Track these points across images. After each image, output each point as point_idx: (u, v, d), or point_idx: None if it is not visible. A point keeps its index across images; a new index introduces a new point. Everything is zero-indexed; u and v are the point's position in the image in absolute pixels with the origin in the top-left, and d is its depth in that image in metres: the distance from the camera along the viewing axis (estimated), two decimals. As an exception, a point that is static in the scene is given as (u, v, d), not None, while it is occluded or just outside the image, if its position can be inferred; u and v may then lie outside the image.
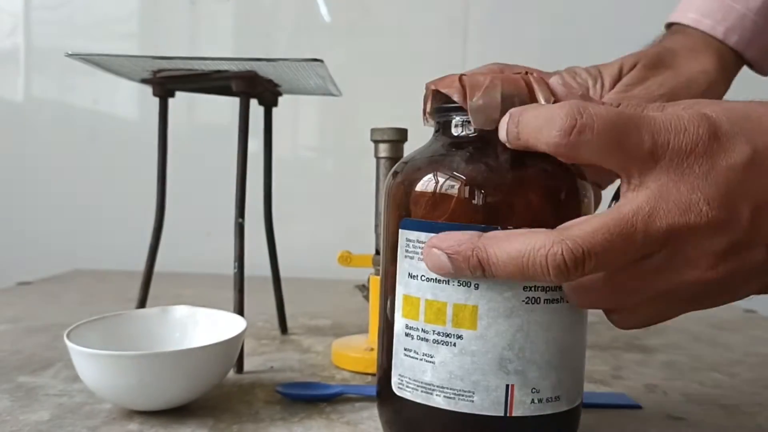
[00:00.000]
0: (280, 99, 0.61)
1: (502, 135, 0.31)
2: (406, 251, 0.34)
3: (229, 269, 0.51)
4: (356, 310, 0.76)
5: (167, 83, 0.56)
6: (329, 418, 0.43)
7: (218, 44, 1.10)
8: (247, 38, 1.11)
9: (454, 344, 0.32)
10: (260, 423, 0.41)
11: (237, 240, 0.51)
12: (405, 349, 0.34)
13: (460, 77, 0.34)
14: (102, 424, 0.40)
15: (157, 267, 0.59)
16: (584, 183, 0.35)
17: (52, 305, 0.76)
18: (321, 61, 0.47)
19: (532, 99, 0.33)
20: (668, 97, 0.41)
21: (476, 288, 0.32)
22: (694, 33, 0.46)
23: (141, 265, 0.59)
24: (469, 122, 0.35)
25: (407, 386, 0.34)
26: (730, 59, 0.46)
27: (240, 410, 0.43)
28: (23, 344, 0.58)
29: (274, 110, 0.62)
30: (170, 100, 0.58)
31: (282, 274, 0.65)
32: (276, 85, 0.57)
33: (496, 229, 0.31)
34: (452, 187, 0.33)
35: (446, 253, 0.30)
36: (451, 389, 0.32)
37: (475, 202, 0.32)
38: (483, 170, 0.33)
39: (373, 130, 0.55)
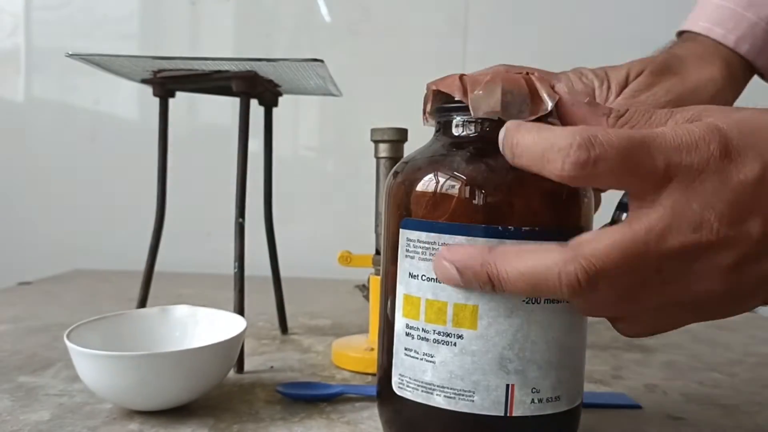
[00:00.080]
0: (281, 99, 0.61)
1: (501, 148, 0.31)
2: (407, 251, 0.34)
3: (230, 269, 0.51)
4: (356, 310, 0.76)
5: (167, 83, 0.56)
6: (329, 417, 0.43)
7: (218, 44, 1.10)
8: (248, 38, 1.11)
9: (455, 344, 0.32)
10: (260, 423, 0.41)
11: (237, 240, 0.51)
12: (405, 349, 0.34)
13: (461, 76, 0.34)
14: (102, 424, 0.40)
15: (158, 267, 0.59)
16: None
17: (53, 305, 0.76)
18: (321, 61, 0.47)
19: (534, 95, 0.33)
20: (675, 104, 0.41)
21: (476, 288, 0.32)
22: (704, 41, 0.46)
23: (141, 265, 0.59)
24: (469, 122, 0.35)
25: (407, 386, 0.34)
26: (740, 68, 0.45)
27: (240, 410, 0.43)
28: (24, 344, 0.58)
29: (275, 110, 0.62)
30: (170, 100, 0.58)
31: (282, 273, 0.65)
32: (276, 86, 0.57)
33: (497, 229, 0.32)
34: (453, 187, 0.33)
35: (455, 266, 0.30)
36: (451, 389, 0.33)
37: (475, 202, 0.32)
38: (483, 170, 0.33)
39: (373, 130, 0.55)
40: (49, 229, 1.10)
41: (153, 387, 0.40)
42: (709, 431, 0.43)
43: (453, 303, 0.32)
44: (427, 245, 0.33)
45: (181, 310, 0.50)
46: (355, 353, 0.54)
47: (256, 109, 0.56)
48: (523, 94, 0.33)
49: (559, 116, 0.32)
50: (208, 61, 0.49)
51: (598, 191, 0.41)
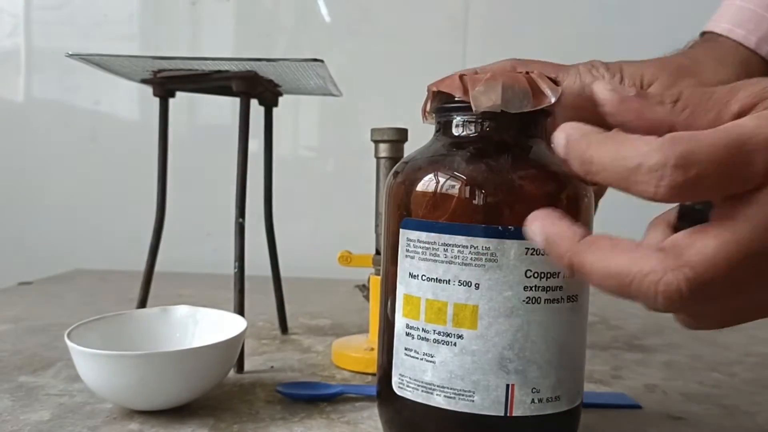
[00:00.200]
0: (281, 99, 0.61)
1: (561, 154, 0.28)
2: (407, 251, 0.34)
3: (230, 269, 0.51)
4: (356, 310, 0.76)
5: (168, 83, 0.56)
6: (329, 417, 0.43)
7: (219, 44, 1.10)
8: (248, 38, 1.11)
9: (455, 344, 0.32)
10: (261, 423, 0.41)
11: (237, 240, 0.51)
12: (405, 349, 0.34)
13: (461, 75, 0.34)
14: (102, 424, 0.40)
15: (158, 267, 0.59)
16: (585, 184, 0.35)
17: (53, 305, 0.76)
18: (321, 61, 0.47)
19: (535, 91, 0.33)
20: None
21: (477, 288, 0.32)
22: (725, 42, 0.45)
23: (141, 265, 0.59)
24: (469, 122, 0.35)
25: (408, 386, 0.34)
26: (759, 70, 0.44)
27: (240, 410, 0.43)
28: (24, 344, 0.58)
29: (275, 110, 0.62)
30: (171, 101, 0.58)
31: (282, 273, 0.65)
32: (276, 86, 0.57)
33: (497, 229, 0.32)
34: (453, 187, 0.33)
35: (544, 237, 0.28)
36: (451, 389, 0.33)
37: (475, 202, 0.32)
38: (483, 170, 0.33)
39: (373, 130, 0.55)
40: (49, 229, 1.10)
41: (153, 387, 0.40)
42: (709, 431, 0.43)
43: (453, 303, 0.32)
44: (427, 245, 0.33)
45: (182, 310, 0.50)
46: (355, 353, 0.54)
47: (256, 109, 0.56)
48: (524, 90, 0.33)
49: (607, 115, 0.29)
50: (208, 61, 0.49)
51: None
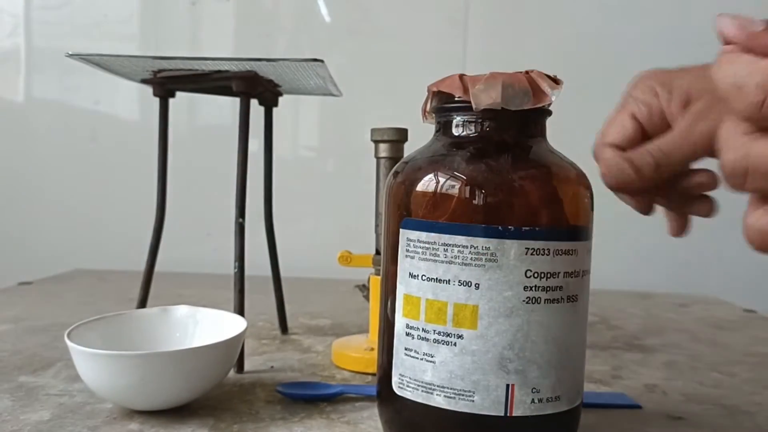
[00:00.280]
0: (281, 99, 0.61)
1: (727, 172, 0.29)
2: (407, 251, 0.34)
3: (230, 269, 0.51)
4: (356, 310, 0.76)
5: (168, 83, 0.56)
6: (329, 417, 0.43)
7: (219, 44, 1.10)
8: (248, 38, 1.11)
9: (455, 344, 0.32)
10: (261, 422, 0.41)
11: (237, 240, 0.51)
12: (405, 349, 0.34)
13: (461, 76, 0.34)
14: (102, 424, 0.40)
15: (158, 267, 0.59)
16: (584, 182, 0.35)
17: (53, 305, 0.76)
18: (321, 61, 0.47)
19: (535, 90, 0.33)
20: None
21: (477, 288, 0.32)
22: None
23: (141, 265, 0.59)
24: (469, 122, 0.35)
25: (408, 386, 0.34)
26: None
27: (240, 410, 0.43)
28: (24, 344, 0.58)
29: (275, 110, 0.62)
30: (171, 101, 0.58)
31: (282, 273, 0.65)
32: (276, 86, 0.57)
33: (497, 229, 0.32)
34: (453, 187, 0.33)
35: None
36: (451, 389, 0.33)
37: (475, 202, 0.32)
38: (483, 170, 0.33)
39: (373, 131, 0.55)
40: (49, 229, 1.10)
41: (153, 387, 0.40)
42: (709, 431, 0.43)
43: (453, 303, 0.32)
44: (427, 245, 0.33)
45: (182, 310, 0.50)
46: (355, 353, 0.54)
47: (256, 109, 0.56)
48: (524, 88, 0.33)
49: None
50: (208, 61, 0.49)
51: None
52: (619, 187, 0.38)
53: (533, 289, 0.32)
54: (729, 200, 0.37)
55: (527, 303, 0.32)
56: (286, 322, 0.66)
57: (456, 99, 0.35)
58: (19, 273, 0.94)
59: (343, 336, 0.62)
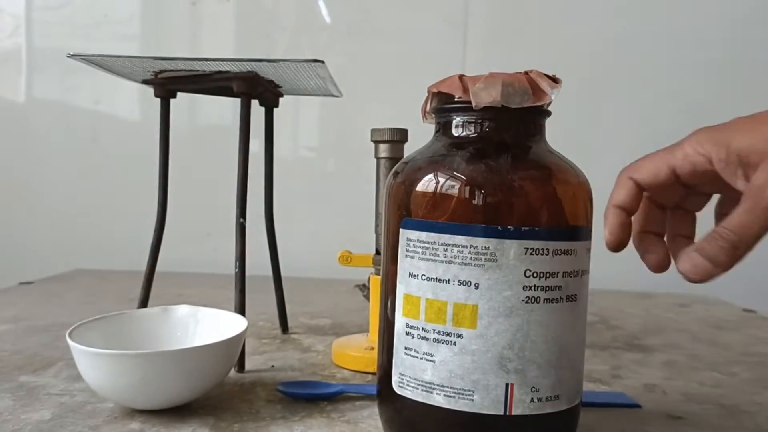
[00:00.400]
0: (281, 100, 0.61)
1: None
2: (407, 251, 0.34)
3: (230, 269, 0.52)
4: (356, 310, 0.76)
5: (168, 84, 0.56)
6: (330, 416, 0.43)
7: (219, 45, 1.10)
8: (248, 39, 1.11)
9: (455, 343, 0.32)
10: (261, 422, 0.42)
11: (238, 240, 0.52)
12: (405, 348, 0.34)
13: (460, 76, 0.34)
14: (103, 423, 0.40)
15: (159, 267, 0.59)
16: (583, 182, 0.35)
17: (54, 305, 0.76)
18: (322, 61, 0.47)
19: (534, 89, 0.33)
20: None
21: (476, 287, 0.32)
22: None
23: (142, 265, 0.59)
24: (469, 122, 0.35)
25: (407, 385, 0.34)
26: None
27: (241, 409, 0.44)
28: (25, 344, 0.58)
29: (275, 111, 0.62)
30: (171, 101, 0.58)
31: (283, 273, 0.65)
32: (277, 86, 0.57)
33: (497, 229, 0.32)
34: (452, 187, 0.33)
35: None
36: (451, 388, 0.33)
37: (475, 202, 0.32)
38: (483, 170, 0.33)
39: (373, 131, 0.55)
40: (50, 229, 1.10)
41: (154, 386, 0.40)
42: (709, 431, 0.43)
43: (453, 302, 0.32)
44: (427, 245, 0.33)
45: (183, 310, 0.50)
46: (355, 352, 0.54)
47: (257, 110, 0.56)
48: (524, 87, 0.33)
49: None
50: (209, 62, 0.49)
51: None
52: (704, 280, 0.39)
53: (533, 288, 0.32)
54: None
55: (527, 303, 0.32)
56: (287, 322, 0.66)
57: (456, 99, 0.35)
58: (20, 273, 0.94)
59: (344, 335, 0.62)
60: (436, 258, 0.33)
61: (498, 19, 1.09)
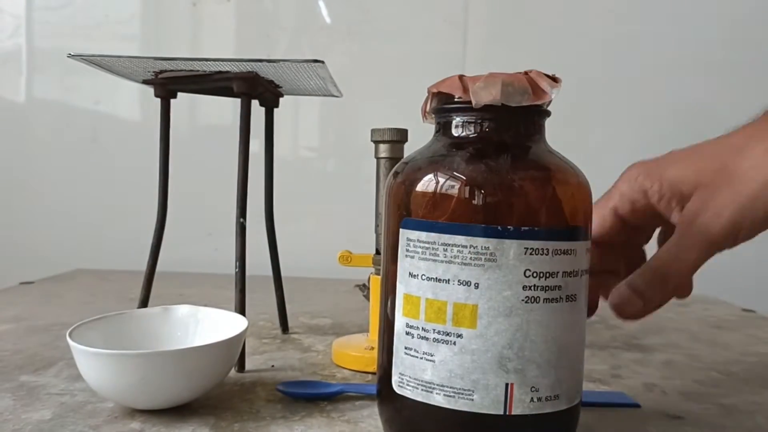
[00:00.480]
0: (281, 100, 0.61)
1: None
2: (407, 251, 0.34)
3: (231, 269, 0.52)
4: (356, 310, 0.76)
5: (169, 84, 0.56)
6: (330, 416, 0.43)
7: (219, 45, 1.10)
8: (248, 39, 1.11)
9: (454, 343, 0.32)
10: (261, 421, 0.42)
11: (238, 240, 0.52)
12: (405, 348, 0.34)
13: (460, 76, 0.34)
14: (104, 423, 0.40)
15: (159, 267, 0.60)
16: (583, 182, 0.35)
17: (54, 305, 0.76)
18: (322, 62, 0.48)
19: (534, 88, 0.33)
20: (734, 224, 0.38)
21: (476, 287, 0.32)
22: None
23: (143, 265, 0.59)
24: (469, 122, 0.35)
25: (407, 385, 0.34)
26: None
27: (241, 409, 0.44)
28: (25, 343, 0.59)
29: (275, 111, 0.62)
30: (172, 101, 0.58)
31: (283, 273, 0.65)
32: (277, 86, 0.57)
33: (496, 229, 0.32)
34: (452, 187, 0.33)
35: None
36: (451, 388, 0.33)
37: (475, 202, 0.32)
38: (483, 170, 0.33)
39: (373, 131, 0.55)
40: (50, 229, 1.10)
41: (155, 386, 0.40)
42: (708, 430, 0.43)
43: (453, 302, 0.32)
44: (427, 245, 0.33)
45: (183, 310, 0.50)
46: (355, 352, 0.54)
47: (257, 110, 0.56)
48: (524, 86, 0.33)
49: None
50: (209, 62, 0.49)
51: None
52: (632, 318, 0.39)
53: (532, 288, 0.32)
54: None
55: (526, 302, 0.32)
56: (287, 322, 0.66)
57: (456, 99, 0.35)
58: (20, 273, 0.94)
59: (344, 335, 0.62)
60: (436, 258, 0.33)
61: (498, 19, 1.09)
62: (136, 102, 1.12)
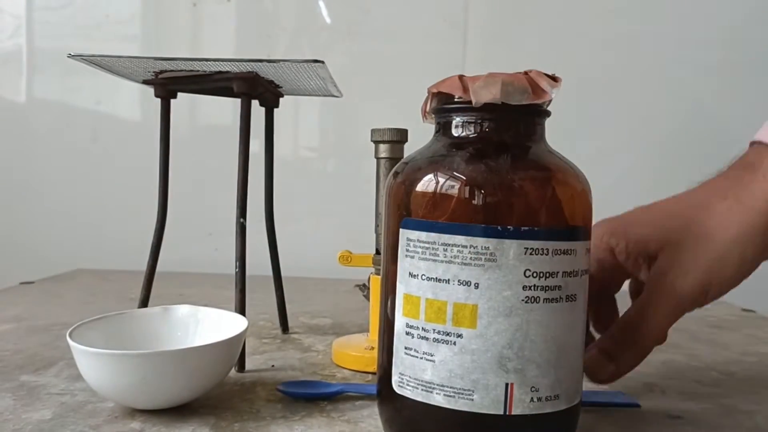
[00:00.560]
0: (281, 100, 0.61)
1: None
2: (407, 251, 0.34)
3: (231, 269, 0.52)
4: (356, 310, 0.76)
5: (169, 84, 0.56)
6: (330, 416, 0.43)
7: (220, 45, 1.10)
8: (248, 39, 1.11)
9: (454, 343, 0.33)
10: (261, 421, 0.42)
11: (239, 240, 0.52)
12: (405, 348, 0.34)
13: (460, 76, 0.35)
14: (104, 423, 0.40)
15: (159, 267, 0.60)
16: (582, 182, 0.35)
17: (55, 305, 0.76)
18: (322, 62, 0.48)
19: (534, 88, 0.33)
20: (704, 281, 0.40)
21: (476, 287, 0.32)
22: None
23: (143, 265, 0.59)
24: (469, 122, 0.35)
25: (407, 384, 0.34)
26: None
27: (241, 409, 0.44)
28: (25, 343, 0.59)
29: (276, 111, 0.62)
30: (172, 101, 0.58)
31: (283, 273, 0.65)
32: (277, 86, 0.57)
33: (496, 229, 0.32)
34: (452, 187, 0.33)
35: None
36: (451, 388, 0.33)
37: (475, 202, 0.32)
38: (483, 170, 0.33)
39: (373, 131, 0.55)
40: (50, 228, 1.10)
41: (155, 386, 0.40)
42: (708, 430, 0.43)
43: (453, 302, 0.32)
44: (426, 245, 0.33)
45: (183, 310, 0.50)
46: (355, 352, 0.54)
47: (257, 110, 0.56)
48: (524, 85, 0.33)
49: None
50: (210, 62, 0.49)
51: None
52: (606, 382, 0.39)
53: (532, 288, 0.32)
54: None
55: (526, 302, 0.32)
56: (287, 322, 0.66)
57: (456, 100, 0.35)
58: (20, 273, 0.94)
59: (344, 335, 0.62)
60: (436, 258, 0.33)
61: (498, 19, 1.09)
62: (137, 102, 1.12)
